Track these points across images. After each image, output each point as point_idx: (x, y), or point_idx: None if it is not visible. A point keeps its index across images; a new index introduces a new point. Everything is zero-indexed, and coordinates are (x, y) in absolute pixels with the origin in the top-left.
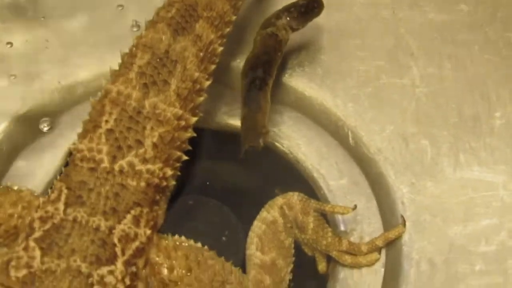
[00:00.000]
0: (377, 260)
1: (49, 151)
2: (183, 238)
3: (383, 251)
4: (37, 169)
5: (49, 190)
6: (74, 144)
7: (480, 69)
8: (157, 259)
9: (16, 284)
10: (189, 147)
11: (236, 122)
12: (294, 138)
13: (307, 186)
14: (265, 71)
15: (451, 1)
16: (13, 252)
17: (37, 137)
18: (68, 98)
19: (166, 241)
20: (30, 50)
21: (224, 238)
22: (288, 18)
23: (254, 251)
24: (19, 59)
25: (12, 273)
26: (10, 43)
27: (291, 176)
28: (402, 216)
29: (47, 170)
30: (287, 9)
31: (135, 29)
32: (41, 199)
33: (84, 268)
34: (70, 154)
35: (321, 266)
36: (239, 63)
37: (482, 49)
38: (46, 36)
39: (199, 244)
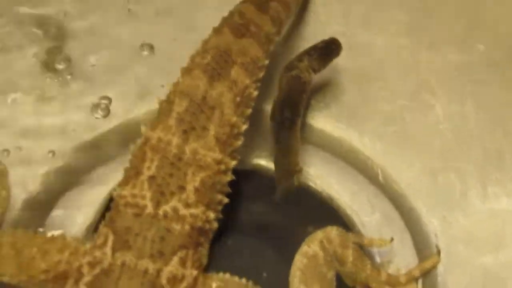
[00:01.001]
0: None
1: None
2: (227, 275)
3: (420, 282)
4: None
5: (95, 236)
6: (115, 190)
7: (500, 107)
8: None
9: None
10: (230, 190)
11: (267, 163)
12: (325, 177)
13: (341, 223)
14: (292, 112)
15: (468, 41)
16: None
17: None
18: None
19: (211, 280)
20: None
21: (265, 274)
22: (309, 61)
23: (298, 285)
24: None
25: None
26: None
27: (325, 214)
28: (437, 246)
29: (86, 217)
30: (307, 52)
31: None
32: (87, 245)
33: None
34: (111, 200)
35: None
36: (268, 105)
37: (500, 87)
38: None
39: (243, 280)
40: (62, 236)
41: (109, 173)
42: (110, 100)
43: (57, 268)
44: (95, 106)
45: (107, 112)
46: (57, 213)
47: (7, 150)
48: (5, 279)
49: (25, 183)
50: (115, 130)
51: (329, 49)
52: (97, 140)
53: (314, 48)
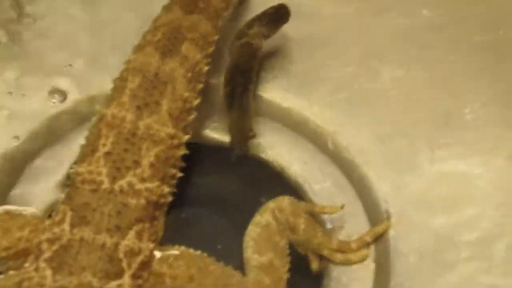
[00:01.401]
0: (367, 256)
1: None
2: (183, 247)
3: (372, 247)
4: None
5: (53, 213)
6: (72, 168)
7: (446, 70)
8: (160, 269)
9: None
10: (183, 164)
11: (220, 135)
12: (276, 147)
13: (293, 192)
14: (244, 77)
15: (413, 6)
16: (24, 273)
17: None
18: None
19: (168, 252)
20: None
21: (219, 246)
22: (259, 27)
23: (251, 254)
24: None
25: None
26: None
27: (277, 184)
28: (387, 211)
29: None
30: (257, 18)
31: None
32: (46, 222)
33: (95, 283)
34: (68, 177)
35: (314, 265)
36: (218, 78)
37: (445, 51)
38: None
39: (198, 252)
40: (22, 214)
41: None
42: None
43: (17, 245)
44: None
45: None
46: (16, 192)
47: None
48: None
49: None
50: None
51: (278, 15)
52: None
53: (264, 14)
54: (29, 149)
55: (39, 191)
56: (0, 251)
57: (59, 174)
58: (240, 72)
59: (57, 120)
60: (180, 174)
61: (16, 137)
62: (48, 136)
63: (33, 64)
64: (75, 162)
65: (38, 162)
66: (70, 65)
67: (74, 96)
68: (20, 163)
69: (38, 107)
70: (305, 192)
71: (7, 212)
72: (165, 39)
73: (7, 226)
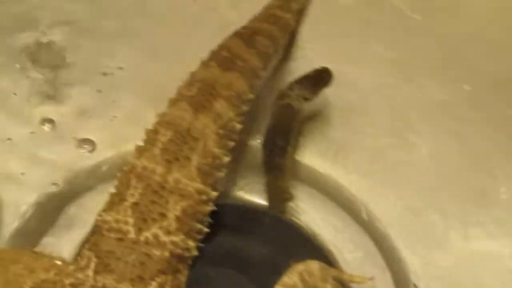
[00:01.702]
0: None
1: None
2: None
3: None
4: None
5: (78, 258)
6: (100, 216)
7: (484, 145)
8: None
9: None
10: (210, 220)
11: (252, 197)
12: (310, 213)
13: (323, 258)
14: (283, 139)
15: (452, 79)
16: None
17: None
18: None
19: None
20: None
21: None
22: (300, 89)
23: None
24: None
25: None
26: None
27: (308, 249)
28: (414, 285)
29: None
30: (298, 81)
31: None
32: (71, 267)
33: None
34: (95, 226)
35: None
36: (255, 140)
37: (483, 125)
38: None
39: None
40: (49, 256)
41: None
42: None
43: (42, 286)
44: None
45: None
46: (47, 240)
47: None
48: None
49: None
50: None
51: (320, 78)
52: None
53: (305, 77)
54: (64, 196)
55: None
56: None
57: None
58: (279, 133)
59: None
60: (206, 230)
61: (54, 184)
62: (84, 184)
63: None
64: (103, 210)
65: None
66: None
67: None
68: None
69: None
70: (336, 260)
71: (35, 252)
72: (199, 94)
73: (33, 267)
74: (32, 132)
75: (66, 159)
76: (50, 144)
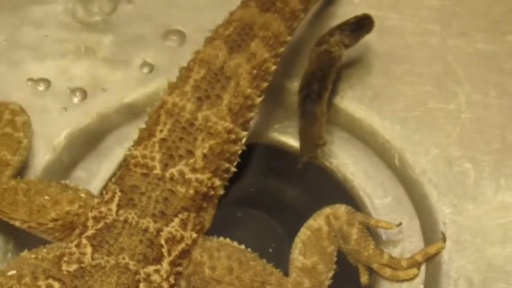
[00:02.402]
0: (415, 275)
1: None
2: (227, 240)
3: (423, 268)
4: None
5: (104, 191)
6: (129, 150)
7: None
8: (200, 258)
9: (67, 278)
10: (238, 160)
11: (287, 139)
12: (342, 158)
13: (353, 203)
14: (320, 85)
15: (498, 31)
16: (66, 247)
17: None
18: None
19: (210, 242)
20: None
21: (270, 250)
22: (340, 35)
23: (296, 255)
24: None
25: (64, 267)
26: None
27: (338, 194)
28: (442, 233)
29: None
30: (339, 27)
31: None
32: (95, 200)
33: (132, 265)
34: (125, 159)
35: (364, 278)
36: (293, 83)
37: None
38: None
39: (241, 246)
40: (75, 189)
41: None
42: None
43: (65, 218)
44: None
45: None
46: (77, 174)
47: None
48: (16, 223)
49: (50, 142)
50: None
51: (361, 25)
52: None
53: (346, 23)
54: (97, 130)
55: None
56: (48, 222)
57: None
58: (316, 79)
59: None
60: (234, 169)
61: (88, 118)
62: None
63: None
64: (133, 145)
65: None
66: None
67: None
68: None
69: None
70: (365, 206)
71: (62, 184)
72: (235, 34)
73: (58, 199)
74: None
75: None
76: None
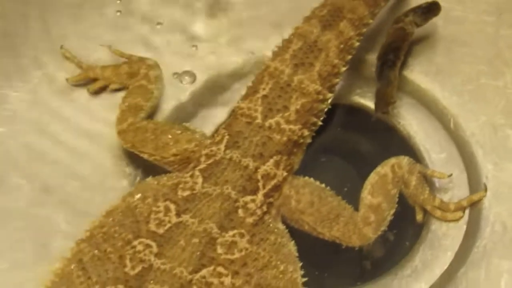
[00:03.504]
0: (461, 217)
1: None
2: (311, 179)
3: (467, 212)
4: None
5: (215, 135)
6: (238, 103)
7: None
8: (288, 193)
9: (181, 201)
10: (324, 116)
11: (364, 101)
12: (408, 119)
13: (414, 156)
14: (395, 55)
15: None
16: (182, 177)
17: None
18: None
19: (297, 180)
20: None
21: (345, 189)
22: (413, 16)
23: (366, 195)
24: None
25: (179, 192)
26: None
27: (402, 148)
28: (484, 184)
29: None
30: (413, 9)
31: None
32: (208, 141)
33: (233, 194)
34: (233, 110)
35: (419, 217)
36: (372, 56)
37: None
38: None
39: (322, 185)
40: (194, 130)
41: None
42: None
43: (183, 154)
44: None
45: None
46: (196, 119)
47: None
48: (145, 156)
49: (176, 94)
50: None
51: (430, 9)
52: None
53: (419, 7)
54: (217, 85)
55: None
56: (170, 156)
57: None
58: (392, 50)
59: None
60: (320, 123)
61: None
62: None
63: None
64: (241, 99)
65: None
66: None
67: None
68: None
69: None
70: (424, 158)
71: (184, 126)
72: (328, 15)
73: (179, 138)
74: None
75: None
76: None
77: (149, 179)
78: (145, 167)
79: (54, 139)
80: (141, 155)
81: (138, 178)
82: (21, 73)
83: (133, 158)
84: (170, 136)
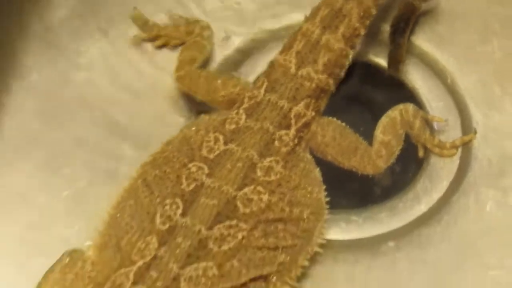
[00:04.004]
0: (455, 154)
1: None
2: (334, 119)
3: (460, 150)
4: (251, 73)
5: (256, 81)
6: (275, 56)
7: None
8: (315, 129)
9: (228, 133)
10: (346, 69)
11: (379, 60)
12: (413, 75)
13: (418, 104)
14: (405, 24)
15: None
16: (229, 114)
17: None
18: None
19: (323, 120)
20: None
21: (361, 129)
22: None
23: (378, 133)
24: None
25: (227, 126)
26: None
27: (409, 98)
28: (475, 129)
29: (257, 72)
30: None
31: None
32: (251, 85)
33: (271, 129)
34: (271, 62)
35: (420, 153)
36: (386, 24)
37: None
38: None
39: (343, 124)
40: (239, 77)
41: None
42: None
43: (230, 96)
44: None
45: None
46: (241, 69)
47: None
48: (197, 97)
49: (225, 50)
50: None
51: None
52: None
53: None
54: (258, 41)
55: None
56: (219, 97)
57: None
58: (402, 20)
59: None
60: (343, 75)
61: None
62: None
63: None
64: (278, 53)
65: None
66: None
67: None
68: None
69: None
70: (425, 106)
71: (230, 74)
72: None
73: (227, 83)
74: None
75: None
76: None
77: (202, 116)
78: (198, 107)
79: (124, 83)
80: (195, 96)
81: (192, 118)
82: (99, 31)
83: (188, 99)
84: (219, 82)
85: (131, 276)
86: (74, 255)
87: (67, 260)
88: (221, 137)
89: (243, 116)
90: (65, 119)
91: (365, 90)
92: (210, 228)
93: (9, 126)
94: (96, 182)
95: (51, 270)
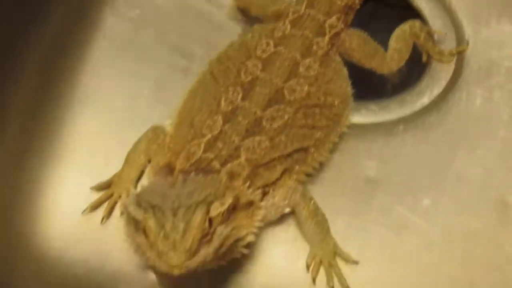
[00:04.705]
0: (452, 59)
1: None
2: (359, 31)
3: (456, 57)
4: None
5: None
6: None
7: None
8: (344, 37)
9: (277, 39)
10: (358, 7)
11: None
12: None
13: (423, 21)
14: None
15: None
16: (275, 25)
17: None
18: None
19: (351, 31)
20: None
21: (378, 38)
22: None
23: (392, 42)
24: None
25: (275, 34)
26: None
27: (417, 16)
28: (467, 40)
29: None
30: None
31: None
32: (294, 2)
33: (310, 36)
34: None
35: (424, 58)
36: None
37: None
38: None
39: (365, 34)
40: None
41: None
42: None
43: (277, 11)
44: None
45: None
46: None
47: None
48: (252, 12)
49: None
50: None
51: None
52: None
53: None
54: None
55: None
56: (268, 12)
57: None
58: None
59: None
60: (357, 6)
61: None
62: None
63: None
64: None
65: None
66: None
67: None
68: None
69: None
70: (428, 22)
71: None
72: None
73: (275, 1)
74: None
75: None
76: None
77: (256, 26)
78: (252, 21)
79: (196, 11)
80: (250, 11)
81: (248, 26)
82: None
83: (244, 14)
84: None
85: (202, 146)
86: (157, 130)
87: (151, 134)
88: (271, 42)
89: (288, 26)
90: (159, 27)
91: (383, 10)
92: (263, 110)
93: (110, 28)
94: (175, 76)
95: (138, 141)
